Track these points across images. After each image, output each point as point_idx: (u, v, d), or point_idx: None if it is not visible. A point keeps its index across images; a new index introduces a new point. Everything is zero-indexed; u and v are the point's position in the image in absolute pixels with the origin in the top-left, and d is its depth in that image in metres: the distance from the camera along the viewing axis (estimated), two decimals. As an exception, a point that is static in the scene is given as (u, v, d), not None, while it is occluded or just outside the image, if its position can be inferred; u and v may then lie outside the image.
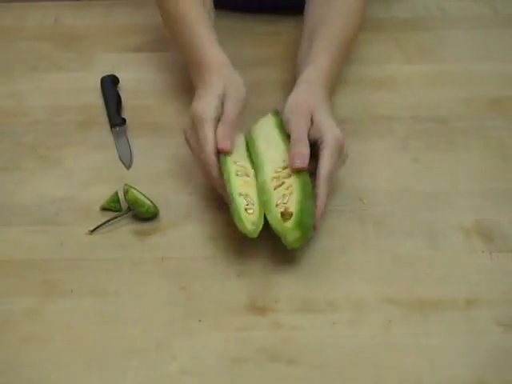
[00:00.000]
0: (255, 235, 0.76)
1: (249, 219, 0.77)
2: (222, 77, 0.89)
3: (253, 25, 1.15)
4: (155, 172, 0.91)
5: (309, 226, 0.77)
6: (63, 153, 0.94)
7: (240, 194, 0.79)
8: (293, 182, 0.80)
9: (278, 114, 0.89)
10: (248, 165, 0.84)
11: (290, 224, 0.76)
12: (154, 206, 0.84)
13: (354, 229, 0.84)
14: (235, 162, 0.83)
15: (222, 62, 0.91)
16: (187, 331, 0.73)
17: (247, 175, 0.83)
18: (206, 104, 0.85)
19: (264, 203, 0.79)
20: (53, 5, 1.21)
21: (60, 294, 0.77)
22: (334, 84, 0.96)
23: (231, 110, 0.85)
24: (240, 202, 0.78)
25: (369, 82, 1.04)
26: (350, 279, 0.78)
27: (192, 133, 0.85)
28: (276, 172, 0.82)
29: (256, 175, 0.83)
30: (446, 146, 0.95)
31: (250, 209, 0.79)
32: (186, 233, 0.83)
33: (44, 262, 0.80)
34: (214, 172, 0.82)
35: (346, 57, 0.99)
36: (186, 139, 0.86)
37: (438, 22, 1.18)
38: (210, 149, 0.82)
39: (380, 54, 1.10)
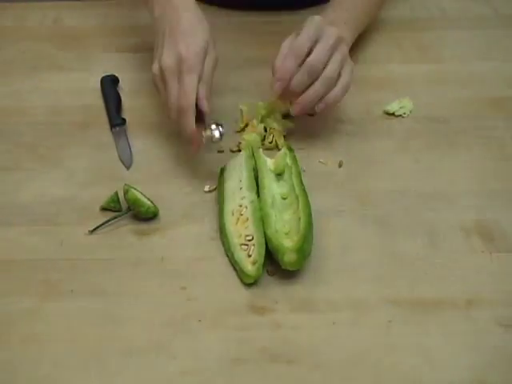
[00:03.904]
0: (259, 273, 0.77)
1: (250, 265, 0.78)
2: (205, 21, 0.89)
3: (253, 25, 1.15)
4: (155, 172, 0.91)
5: (306, 254, 0.77)
6: (63, 153, 0.94)
7: (240, 244, 0.79)
8: (300, 209, 0.81)
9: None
10: (246, 189, 0.85)
11: (289, 245, 0.76)
12: (154, 206, 0.84)
13: (354, 229, 0.84)
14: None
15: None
16: (187, 331, 0.73)
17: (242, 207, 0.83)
18: (197, 48, 0.84)
19: (264, 217, 0.80)
20: (53, 5, 1.21)
21: (60, 293, 0.77)
22: (355, 27, 0.99)
23: (211, 68, 0.86)
24: (240, 257, 0.78)
25: (369, 81, 1.04)
26: (349, 279, 0.78)
27: (171, 75, 0.84)
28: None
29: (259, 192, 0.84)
30: (446, 146, 0.95)
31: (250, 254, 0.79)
32: (186, 233, 0.83)
33: (44, 261, 0.80)
34: (192, 123, 0.83)
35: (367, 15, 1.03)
36: (159, 79, 0.85)
37: (438, 22, 1.18)
38: (193, 100, 0.83)
39: (380, 54, 1.10)
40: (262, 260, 0.77)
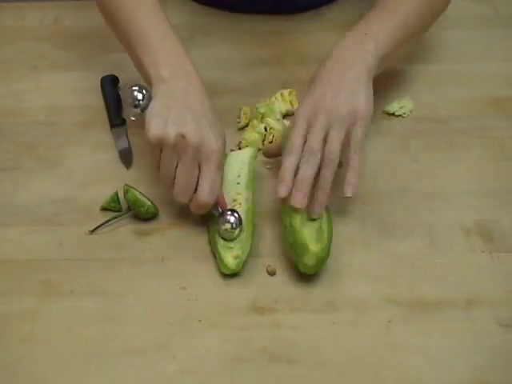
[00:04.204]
0: (239, 269, 0.78)
1: (231, 258, 0.78)
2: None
3: (253, 25, 1.15)
4: (155, 172, 0.91)
5: (323, 263, 0.77)
6: (63, 153, 0.94)
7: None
8: (325, 218, 0.80)
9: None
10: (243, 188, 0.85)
11: (314, 250, 0.75)
12: (154, 206, 0.84)
13: (354, 229, 0.84)
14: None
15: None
16: (187, 331, 0.73)
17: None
18: (223, 142, 0.80)
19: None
20: (53, 5, 1.21)
21: (60, 294, 0.77)
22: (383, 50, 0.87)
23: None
24: (223, 247, 0.79)
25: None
26: (350, 279, 0.78)
27: (193, 155, 0.78)
28: None
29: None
30: (445, 146, 0.95)
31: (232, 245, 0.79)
32: (186, 233, 0.83)
33: (44, 262, 0.80)
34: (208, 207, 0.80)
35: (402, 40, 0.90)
36: (171, 146, 0.78)
37: (438, 22, 1.18)
38: (216, 193, 0.79)
39: (380, 54, 1.10)
40: (244, 257, 0.78)
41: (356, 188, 0.80)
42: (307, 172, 0.79)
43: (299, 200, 0.78)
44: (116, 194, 0.85)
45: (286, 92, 0.99)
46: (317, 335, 0.73)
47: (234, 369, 0.70)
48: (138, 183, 0.86)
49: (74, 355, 0.71)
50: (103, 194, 0.86)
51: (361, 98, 0.81)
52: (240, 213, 0.80)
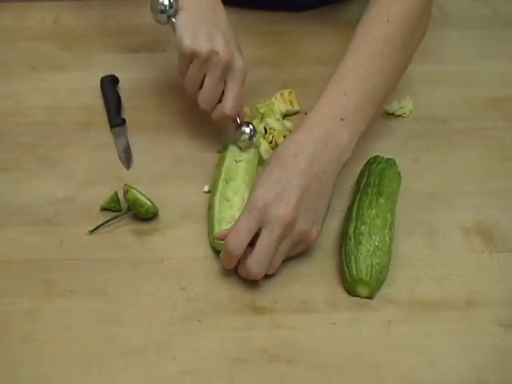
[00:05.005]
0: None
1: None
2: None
3: (253, 25, 1.15)
4: (155, 172, 0.91)
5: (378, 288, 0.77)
6: (63, 153, 0.94)
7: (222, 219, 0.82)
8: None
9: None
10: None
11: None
12: (154, 206, 0.84)
13: (354, 229, 0.83)
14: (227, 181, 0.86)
15: None
16: (187, 331, 0.73)
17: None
18: (236, 50, 0.89)
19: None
20: (53, 5, 1.21)
21: (60, 294, 0.77)
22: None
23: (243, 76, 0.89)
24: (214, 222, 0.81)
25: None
26: (350, 279, 0.78)
27: (223, 69, 0.87)
28: None
29: None
30: (445, 146, 0.95)
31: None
32: (186, 233, 0.83)
33: (44, 261, 0.80)
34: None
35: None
36: (203, 59, 0.86)
37: (438, 22, 1.18)
38: (239, 107, 0.89)
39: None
40: None
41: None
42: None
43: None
44: (116, 194, 0.85)
45: (285, 92, 0.99)
46: (317, 335, 0.73)
47: (233, 369, 0.70)
48: (137, 183, 0.86)
49: (74, 355, 0.71)
50: (103, 194, 0.86)
51: (320, 223, 0.77)
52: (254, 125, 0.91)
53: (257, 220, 0.74)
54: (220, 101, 0.89)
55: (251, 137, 0.90)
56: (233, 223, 0.77)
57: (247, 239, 0.74)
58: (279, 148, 0.79)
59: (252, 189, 0.77)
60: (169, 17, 0.88)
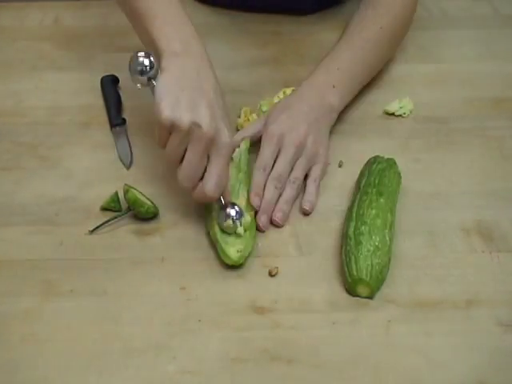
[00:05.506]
0: (241, 262, 0.78)
1: (233, 250, 0.78)
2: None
3: (253, 25, 1.15)
4: (155, 172, 0.91)
5: (378, 287, 0.77)
6: (63, 153, 0.94)
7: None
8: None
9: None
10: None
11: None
12: (154, 206, 0.84)
13: (354, 229, 0.83)
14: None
15: None
16: (187, 331, 0.73)
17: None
18: (229, 128, 0.80)
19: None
20: (53, 5, 1.21)
21: (60, 294, 0.77)
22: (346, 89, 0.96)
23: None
24: (224, 239, 0.79)
25: (369, 81, 1.04)
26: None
27: (204, 145, 0.77)
28: None
29: None
30: (446, 146, 0.95)
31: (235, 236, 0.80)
32: (185, 233, 0.83)
33: (44, 262, 0.80)
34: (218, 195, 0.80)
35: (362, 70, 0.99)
36: (180, 132, 0.77)
37: (438, 22, 1.18)
38: (223, 187, 0.80)
39: (380, 54, 1.10)
40: (246, 253, 0.79)
41: (312, 207, 0.86)
42: (274, 196, 0.85)
43: (265, 223, 0.84)
44: (116, 194, 0.85)
45: (288, 90, 0.99)
46: (317, 335, 0.73)
47: (233, 369, 0.70)
48: (137, 183, 0.86)
49: (74, 355, 0.71)
50: (103, 194, 0.86)
51: (325, 146, 0.91)
52: (241, 206, 0.82)
53: (276, 145, 0.87)
54: (202, 178, 0.79)
55: (235, 220, 0.80)
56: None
57: (271, 161, 0.87)
58: (279, 102, 0.94)
59: (264, 127, 0.89)
60: (149, 79, 0.80)
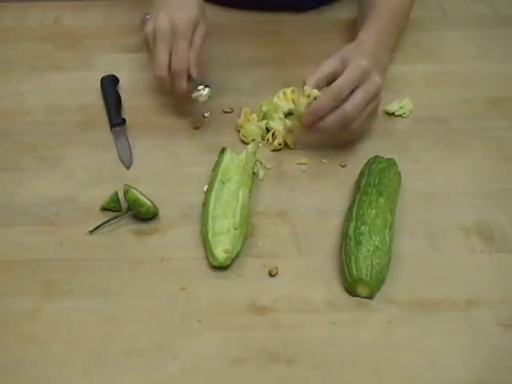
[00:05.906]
0: (227, 263, 0.78)
1: (220, 251, 0.79)
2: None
3: (253, 25, 1.15)
4: (155, 172, 0.91)
5: (379, 287, 0.77)
6: (63, 153, 0.94)
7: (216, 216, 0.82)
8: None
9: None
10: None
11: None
12: (154, 206, 0.84)
13: (354, 229, 0.83)
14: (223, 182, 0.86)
15: None
16: (187, 331, 0.73)
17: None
18: (190, 18, 0.92)
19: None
20: (53, 5, 1.21)
21: (60, 294, 0.77)
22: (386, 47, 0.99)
23: (202, 36, 0.93)
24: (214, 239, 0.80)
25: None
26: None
27: (164, 37, 0.91)
28: None
29: None
30: (445, 146, 0.95)
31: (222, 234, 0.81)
32: (185, 233, 0.83)
33: (44, 261, 0.80)
34: (184, 85, 0.91)
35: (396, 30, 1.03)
36: (152, 38, 0.92)
37: (438, 22, 1.18)
38: (186, 65, 0.91)
39: (380, 54, 1.10)
40: (234, 254, 0.79)
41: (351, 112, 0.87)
42: (329, 104, 0.86)
43: (309, 122, 0.87)
44: (116, 194, 0.85)
45: (288, 90, 0.99)
46: (317, 335, 0.73)
47: (233, 369, 0.70)
48: (137, 183, 0.86)
49: (74, 355, 0.71)
50: (103, 194, 0.86)
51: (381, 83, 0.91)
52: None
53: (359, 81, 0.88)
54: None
55: (200, 90, 0.93)
56: (226, 221, 0.81)
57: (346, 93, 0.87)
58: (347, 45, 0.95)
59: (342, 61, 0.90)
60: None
